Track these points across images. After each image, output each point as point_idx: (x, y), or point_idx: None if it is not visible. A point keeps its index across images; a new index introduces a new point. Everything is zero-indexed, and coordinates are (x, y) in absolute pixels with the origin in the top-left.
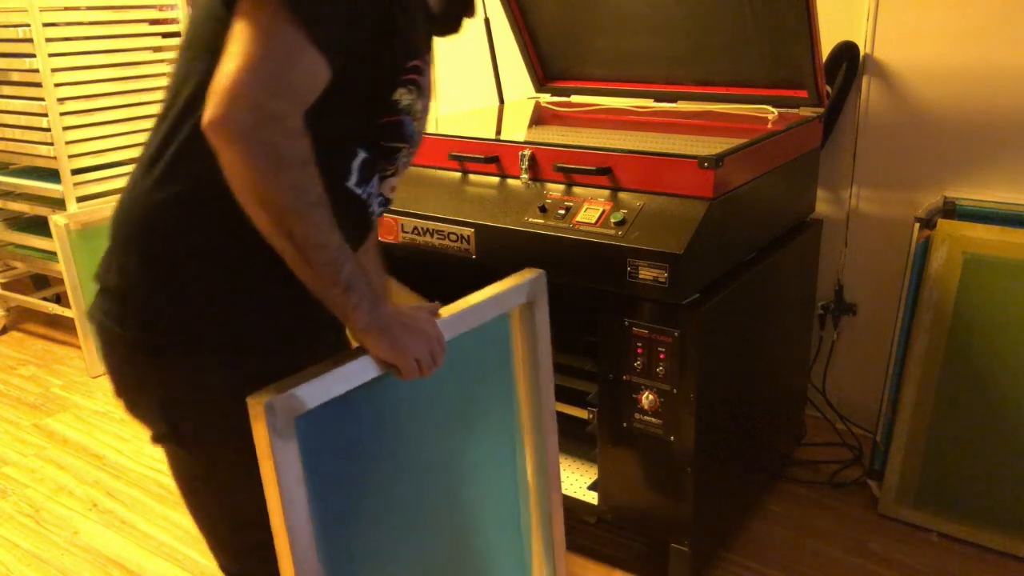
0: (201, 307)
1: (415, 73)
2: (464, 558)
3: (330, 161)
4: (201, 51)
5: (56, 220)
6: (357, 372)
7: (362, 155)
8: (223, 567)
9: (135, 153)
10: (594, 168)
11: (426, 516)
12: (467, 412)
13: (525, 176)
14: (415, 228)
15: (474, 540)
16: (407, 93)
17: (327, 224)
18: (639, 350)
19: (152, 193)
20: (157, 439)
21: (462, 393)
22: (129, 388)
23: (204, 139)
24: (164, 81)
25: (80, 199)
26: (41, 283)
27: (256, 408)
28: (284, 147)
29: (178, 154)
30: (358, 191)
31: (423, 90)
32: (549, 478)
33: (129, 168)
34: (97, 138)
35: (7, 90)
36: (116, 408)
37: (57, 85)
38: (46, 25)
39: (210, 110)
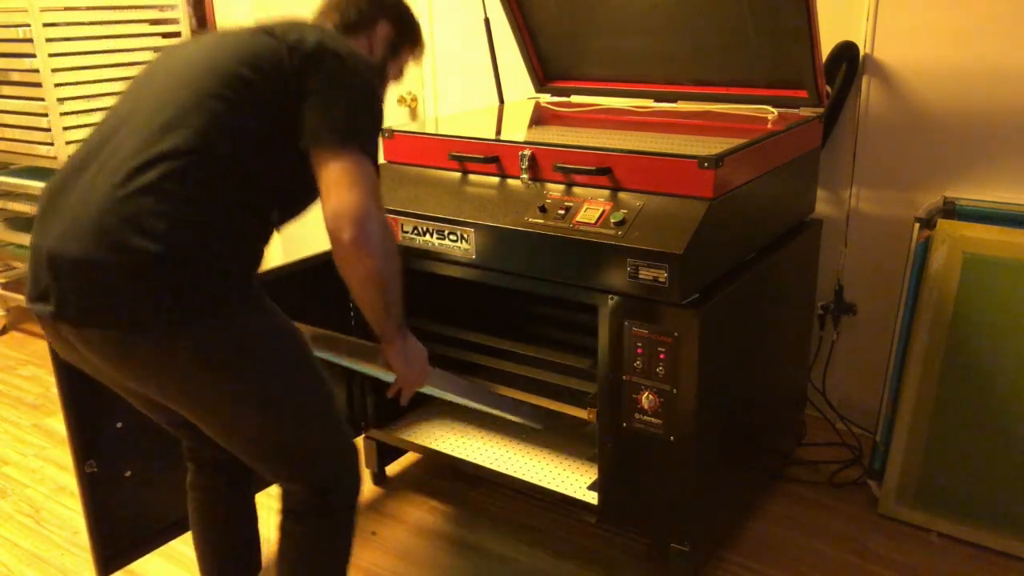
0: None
1: None
2: None
3: (277, 205)
4: (246, 103)
5: None
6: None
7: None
8: (294, 478)
9: None
10: (594, 168)
11: None
12: None
13: (525, 176)
14: (415, 228)
15: None
16: None
17: (400, 284)
18: (639, 350)
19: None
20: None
21: None
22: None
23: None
24: None
25: None
26: None
27: None
28: (392, 242)
29: (184, 189)
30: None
31: None
32: None
33: None
34: None
35: (7, 90)
36: None
37: (57, 85)
38: (46, 25)
39: (350, 233)
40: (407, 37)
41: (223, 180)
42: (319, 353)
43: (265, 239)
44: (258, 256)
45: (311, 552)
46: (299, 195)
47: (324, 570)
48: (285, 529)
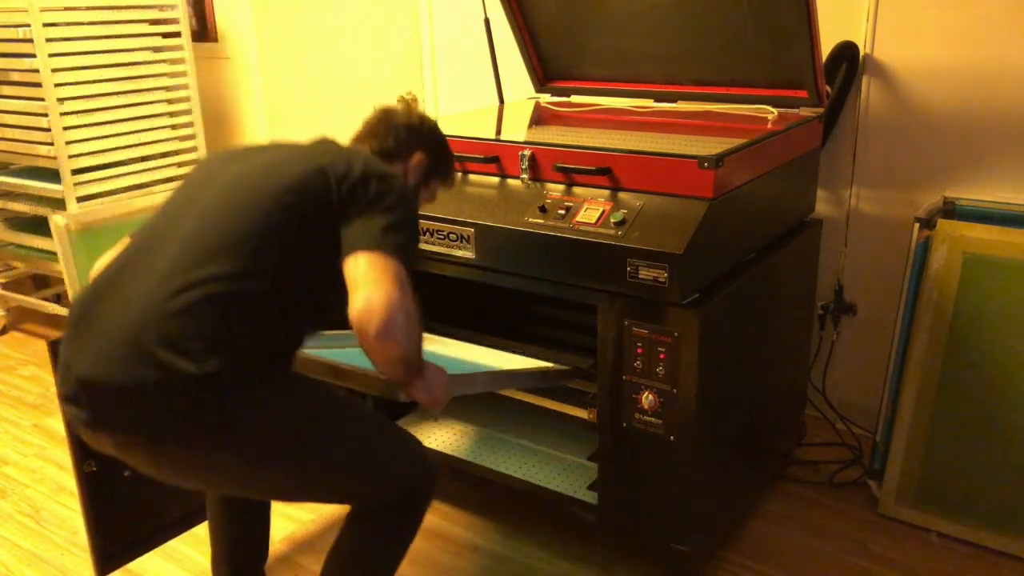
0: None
1: None
2: None
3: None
4: (291, 232)
5: (56, 220)
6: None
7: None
8: (364, 503)
9: (135, 153)
10: (594, 168)
11: None
12: None
13: (525, 176)
14: None
15: None
16: None
17: (421, 341)
18: (639, 350)
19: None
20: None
21: None
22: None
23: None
24: (164, 81)
25: (80, 199)
26: (41, 283)
27: None
28: (417, 325)
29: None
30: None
31: None
32: None
33: (129, 168)
34: (97, 138)
35: (7, 90)
36: None
37: (57, 85)
38: (46, 25)
39: (374, 329)
40: (441, 167)
41: (262, 305)
42: (337, 383)
43: (300, 344)
44: (292, 357)
45: (378, 545)
46: (338, 306)
47: (385, 561)
48: (357, 524)
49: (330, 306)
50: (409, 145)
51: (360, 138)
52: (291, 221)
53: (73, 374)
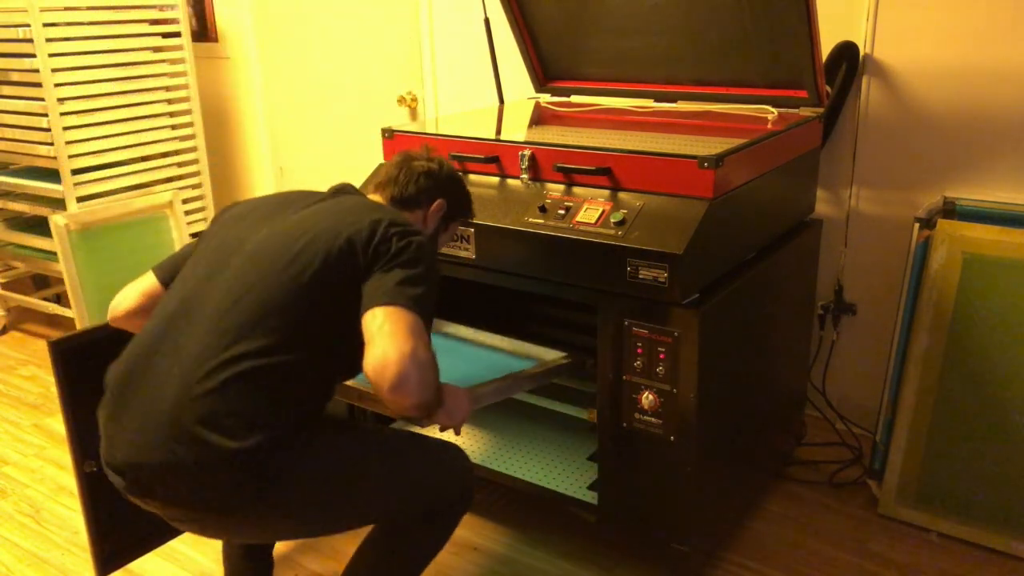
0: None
1: None
2: None
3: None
4: (322, 302)
5: (56, 220)
6: None
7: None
8: (414, 518)
9: (135, 153)
10: (594, 168)
11: None
12: None
13: (525, 176)
14: None
15: None
16: None
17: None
18: (639, 350)
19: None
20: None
21: None
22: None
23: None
24: (164, 81)
25: (80, 199)
26: (41, 283)
27: None
28: (432, 372)
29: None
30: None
31: None
32: None
33: (129, 168)
34: (97, 138)
35: (7, 90)
36: None
37: (57, 85)
38: (46, 25)
39: (388, 383)
40: (459, 211)
41: (296, 375)
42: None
43: (332, 396)
44: (325, 408)
45: (405, 557)
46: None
47: (411, 571)
48: (384, 536)
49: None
50: (429, 193)
51: (381, 184)
52: (320, 293)
53: (117, 456)
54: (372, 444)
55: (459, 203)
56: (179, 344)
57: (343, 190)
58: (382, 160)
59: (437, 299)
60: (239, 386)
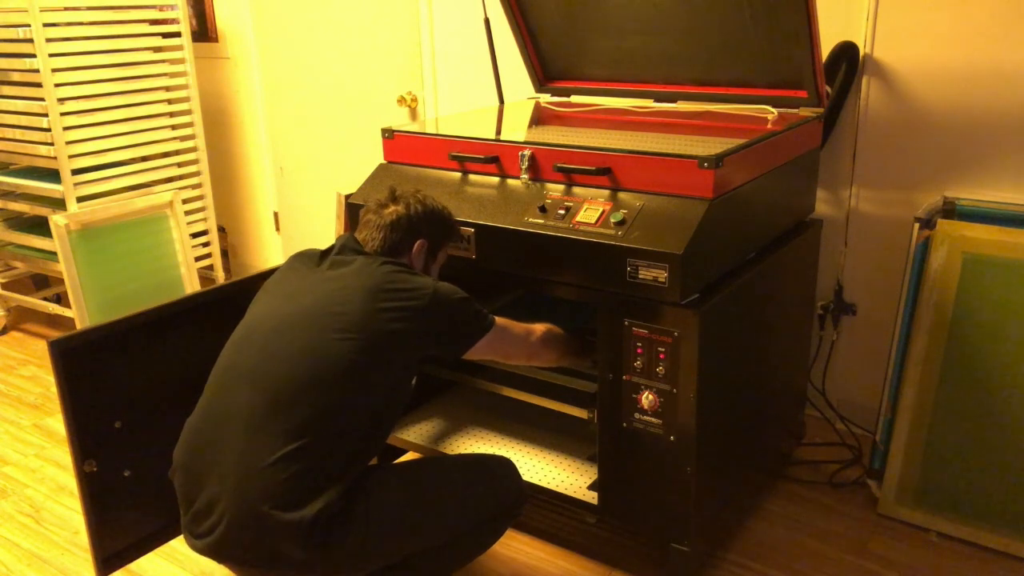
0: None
1: None
2: None
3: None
4: (360, 380)
5: (56, 220)
6: None
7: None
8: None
9: (135, 153)
10: (594, 168)
11: None
12: None
13: (525, 176)
14: None
15: None
16: None
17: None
18: (639, 350)
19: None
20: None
21: None
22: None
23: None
24: (164, 81)
25: (80, 199)
26: (41, 283)
27: None
28: (547, 345)
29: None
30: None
31: None
32: None
33: (129, 168)
34: (97, 138)
35: (7, 90)
36: None
37: (57, 85)
38: (46, 25)
39: (527, 362)
40: (442, 241)
41: (348, 435)
42: None
43: (387, 438)
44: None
45: (454, 554)
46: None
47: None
48: None
49: (404, 403)
50: (411, 238)
51: (368, 237)
52: (356, 362)
53: (199, 544)
54: (426, 476)
55: (438, 234)
56: (239, 428)
57: (352, 255)
58: (382, 160)
59: (470, 296)
60: (298, 462)
